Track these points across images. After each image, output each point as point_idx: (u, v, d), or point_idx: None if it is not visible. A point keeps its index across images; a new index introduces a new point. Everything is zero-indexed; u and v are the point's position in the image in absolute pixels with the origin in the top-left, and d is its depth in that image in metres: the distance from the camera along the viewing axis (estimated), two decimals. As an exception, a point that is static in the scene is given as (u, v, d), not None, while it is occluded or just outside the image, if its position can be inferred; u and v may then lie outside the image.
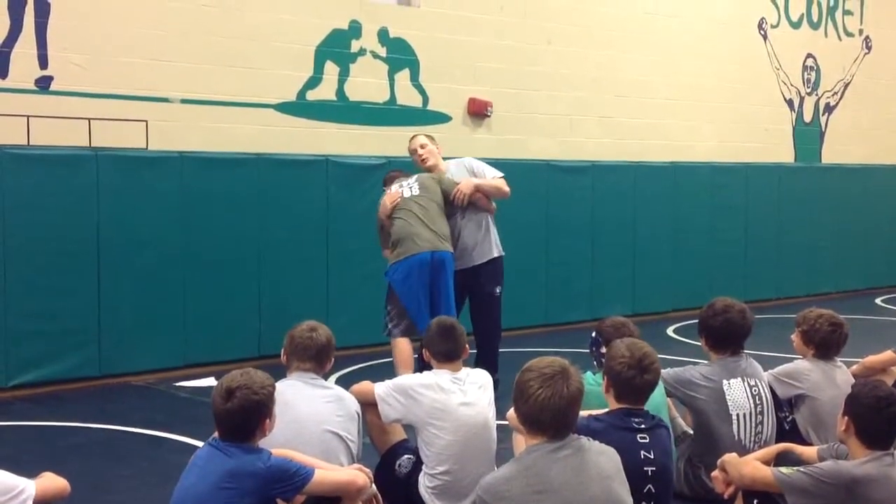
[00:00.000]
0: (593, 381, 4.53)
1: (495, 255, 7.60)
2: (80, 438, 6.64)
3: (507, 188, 7.53)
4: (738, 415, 4.99)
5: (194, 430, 6.38)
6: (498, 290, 7.63)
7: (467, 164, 7.67)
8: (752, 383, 5.09)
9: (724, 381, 5.04)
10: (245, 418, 3.70)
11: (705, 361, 5.27)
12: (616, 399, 4.17)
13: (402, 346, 7.05)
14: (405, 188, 7.28)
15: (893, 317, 12.23)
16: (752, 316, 5.26)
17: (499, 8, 10.96)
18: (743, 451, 4.77)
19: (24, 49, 8.12)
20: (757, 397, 5.05)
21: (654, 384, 4.20)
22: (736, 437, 4.96)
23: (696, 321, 5.31)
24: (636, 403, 4.17)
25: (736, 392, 5.02)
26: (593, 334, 5.05)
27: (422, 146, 7.57)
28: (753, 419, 5.02)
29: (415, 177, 7.41)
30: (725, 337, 5.14)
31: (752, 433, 5.01)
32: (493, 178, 7.53)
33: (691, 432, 5.23)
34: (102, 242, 8.22)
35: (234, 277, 8.92)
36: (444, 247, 7.15)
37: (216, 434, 3.79)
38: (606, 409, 4.23)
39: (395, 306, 7.13)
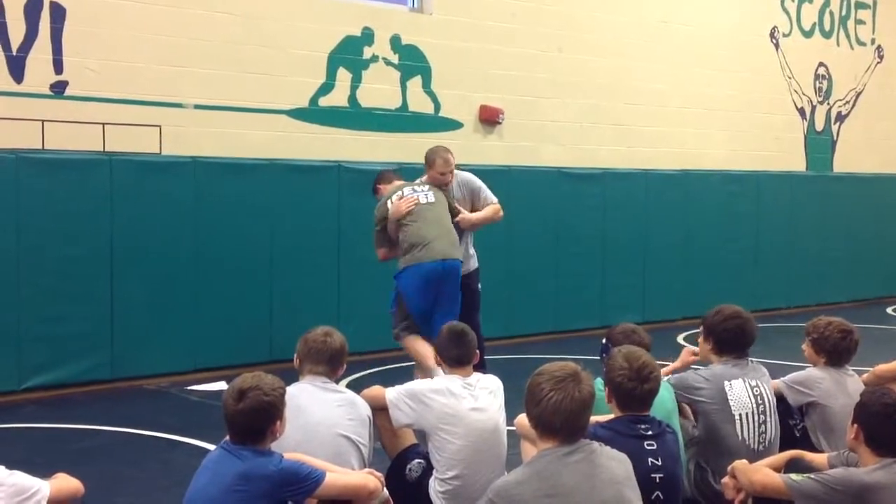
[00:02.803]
0: (603, 388, 4.54)
1: (477, 265, 7.74)
2: (91, 441, 6.68)
3: (500, 214, 7.65)
4: (740, 414, 5.01)
5: (206, 434, 6.41)
6: (480, 288, 7.76)
7: (467, 183, 7.64)
8: (754, 384, 5.11)
9: (726, 382, 5.07)
10: (256, 420, 3.72)
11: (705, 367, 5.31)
12: (619, 408, 4.19)
13: (412, 342, 7.13)
14: (420, 194, 7.26)
15: (905, 326, 12.20)
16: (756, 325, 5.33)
17: (511, 15, 10.99)
18: (748, 451, 4.79)
19: (40, 54, 8.18)
20: (759, 397, 5.08)
21: (656, 392, 4.21)
22: (739, 436, 4.97)
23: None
24: (640, 411, 4.18)
25: (737, 391, 5.05)
26: (604, 341, 5.07)
27: (451, 171, 7.49)
28: (756, 419, 5.04)
29: (426, 185, 7.39)
30: (733, 342, 5.19)
31: (756, 433, 5.02)
32: (489, 208, 7.58)
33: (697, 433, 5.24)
34: (115, 246, 8.27)
35: (246, 282, 8.95)
36: (455, 255, 7.19)
37: (227, 437, 3.81)
38: (612, 416, 4.24)
39: (401, 309, 7.17)
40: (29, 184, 7.88)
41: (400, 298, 7.19)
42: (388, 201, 7.27)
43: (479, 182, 7.70)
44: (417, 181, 7.48)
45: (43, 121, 8.19)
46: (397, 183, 7.54)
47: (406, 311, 7.14)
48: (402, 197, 7.22)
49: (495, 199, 7.68)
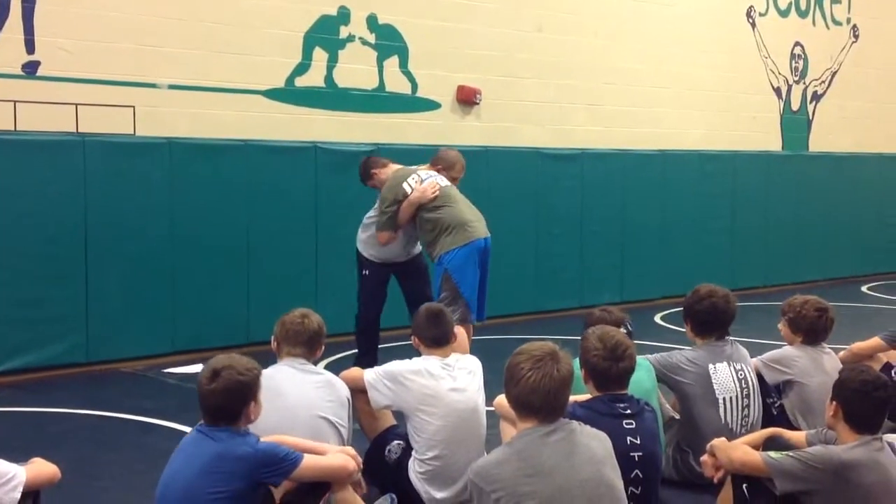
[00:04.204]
0: (581, 370, 4.54)
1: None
2: (68, 425, 6.63)
3: None
4: (724, 398, 5.03)
5: (182, 417, 6.37)
6: None
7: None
8: (738, 367, 5.13)
9: (710, 365, 5.08)
10: (229, 399, 3.69)
11: (690, 347, 5.30)
12: (597, 389, 4.20)
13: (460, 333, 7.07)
14: (436, 178, 7.24)
15: (880, 304, 12.30)
16: (736, 301, 5.30)
17: (488, -6, 10.94)
18: (730, 434, 4.80)
19: (11, 34, 8.06)
20: (743, 381, 5.09)
21: (632, 370, 4.22)
22: (723, 420, 4.99)
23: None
24: (617, 390, 4.18)
25: (722, 376, 5.06)
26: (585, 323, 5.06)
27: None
28: (740, 403, 5.06)
29: (430, 171, 7.36)
30: (710, 322, 5.19)
31: (739, 417, 5.04)
32: None
33: (678, 417, 5.25)
34: (90, 228, 8.19)
35: (223, 264, 8.89)
36: (488, 234, 7.29)
37: (202, 420, 3.78)
38: (590, 396, 4.24)
39: (450, 292, 7.05)
40: (1, 166, 7.78)
41: (448, 281, 7.08)
42: (405, 184, 7.17)
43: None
44: (420, 168, 7.42)
45: (15, 101, 8.08)
46: (398, 167, 7.48)
47: (455, 295, 7.02)
48: (423, 181, 7.16)
49: None
